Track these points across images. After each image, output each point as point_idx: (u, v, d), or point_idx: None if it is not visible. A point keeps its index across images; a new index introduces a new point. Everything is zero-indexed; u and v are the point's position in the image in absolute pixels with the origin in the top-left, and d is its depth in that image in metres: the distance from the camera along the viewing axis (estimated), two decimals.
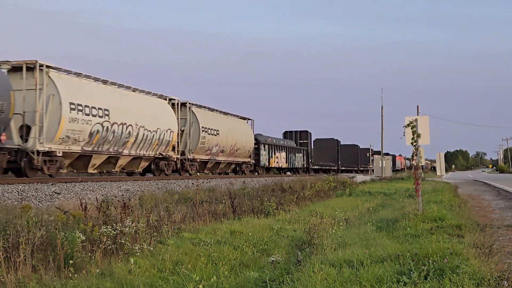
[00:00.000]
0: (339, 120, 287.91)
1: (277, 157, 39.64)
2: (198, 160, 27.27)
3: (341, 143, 68.62)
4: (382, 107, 49.55)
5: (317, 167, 52.50)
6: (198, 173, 27.45)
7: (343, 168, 64.50)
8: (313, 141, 58.47)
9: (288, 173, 43.04)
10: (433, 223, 9.21)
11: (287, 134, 47.68)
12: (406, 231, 8.48)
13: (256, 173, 35.33)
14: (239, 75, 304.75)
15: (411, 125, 11.22)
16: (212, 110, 29.72)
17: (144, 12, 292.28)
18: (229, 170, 32.87)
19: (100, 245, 6.76)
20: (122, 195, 12.92)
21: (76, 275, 5.94)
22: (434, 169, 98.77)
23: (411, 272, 5.18)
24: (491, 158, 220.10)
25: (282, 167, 41.10)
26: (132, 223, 7.47)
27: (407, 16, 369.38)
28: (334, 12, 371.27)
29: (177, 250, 7.18)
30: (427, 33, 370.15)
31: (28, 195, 12.83)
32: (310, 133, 49.44)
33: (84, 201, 8.98)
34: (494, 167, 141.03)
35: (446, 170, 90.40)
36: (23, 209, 7.13)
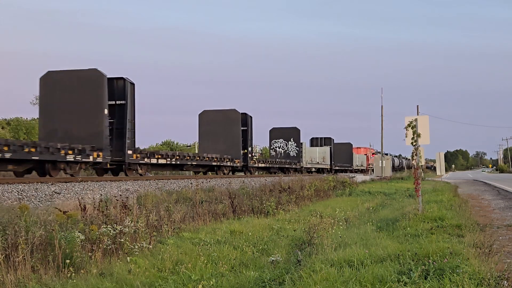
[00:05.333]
0: (339, 120, 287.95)
1: None
2: None
3: (311, 137, 57.11)
4: (382, 107, 49.46)
5: (262, 164, 38.35)
6: None
7: (309, 166, 49.95)
8: (269, 131, 46.86)
9: None
10: (433, 223, 9.21)
11: None
12: (406, 231, 8.48)
13: None
14: (239, 75, 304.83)
15: (411, 125, 11.22)
16: None
17: (144, 12, 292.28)
18: None
19: (100, 245, 6.76)
20: (121, 195, 12.92)
21: (75, 275, 5.93)
22: (429, 168, 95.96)
23: (411, 272, 5.18)
24: (491, 158, 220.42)
25: None
26: (131, 222, 7.47)
27: (407, 16, 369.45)
28: (334, 12, 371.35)
29: (177, 250, 7.17)
30: (427, 33, 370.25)
31: (28, 195, 12.83)
32: None
33: (83, 200, 8.98)
34: (494, 167, 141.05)
35: (446, 170, 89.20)
36: (20, 209, 7.11)
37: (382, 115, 49.28)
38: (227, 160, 31.72)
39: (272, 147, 47.51)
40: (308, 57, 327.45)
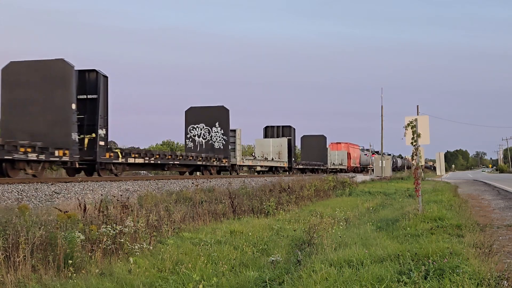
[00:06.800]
0: (339, 120, 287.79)
1: None
2: None
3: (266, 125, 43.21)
4: (382, 107, 49.45)
5: (138, 159, 22.74)
6: None
7: (248, 163, 35.61)
8: (185, 112, 32.40)
9: None
10: (433, 223, 9.21)
11: None
12: (406, 231, 8.48)
13: None
14: (239, 75, 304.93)
15: (411, 125, 11.22)
16: None
17: (144, 12, 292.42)
18: None
19: (100, 245, 6.76)
20: (121, 195, 12.93)
21: (76, 275, 5.93)
22: (428, 168, 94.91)
23: (411, 272, 5.18)
24: (491, 158, 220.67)
25: None
26: (131, 222, 7.48)
27: (408, 16, 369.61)
28: (334, 12, 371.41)
29: (177, 250, 7.18)
30: (427, 33, 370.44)
31: (28, 195, 12.83)
32: None
33: (83, 201, 8.99)
34: (494, 167, 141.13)
35: (446, 170, 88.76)
36: (20, 209, 7.12)
37: (382, 115, 49.29)
38: (31, 149, 17.24)
39: (188, 136, 32.31)
40: (308, 57, 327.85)
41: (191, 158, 27.28)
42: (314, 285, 5.07)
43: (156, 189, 17.07)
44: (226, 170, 33.05)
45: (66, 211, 7.72)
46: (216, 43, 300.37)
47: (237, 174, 32.55)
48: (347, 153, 64.24)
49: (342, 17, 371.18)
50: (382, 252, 6.29)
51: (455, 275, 5.00)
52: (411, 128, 11.21)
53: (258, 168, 38.29)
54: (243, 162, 34.16)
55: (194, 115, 32.27)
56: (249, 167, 36.94)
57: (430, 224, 9.10)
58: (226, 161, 31.35)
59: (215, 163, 29.97)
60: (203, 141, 32.16)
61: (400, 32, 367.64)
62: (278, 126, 44.50)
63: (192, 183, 18.98)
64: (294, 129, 45.16)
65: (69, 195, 13.61)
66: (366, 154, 76.03)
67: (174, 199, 13.92)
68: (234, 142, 32.98)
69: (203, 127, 32.18)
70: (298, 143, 54.54)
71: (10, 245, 6.14)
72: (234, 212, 11.82)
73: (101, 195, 13.65)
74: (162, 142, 66.01)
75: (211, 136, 32.11)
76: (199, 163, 28.08)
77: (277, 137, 43.71)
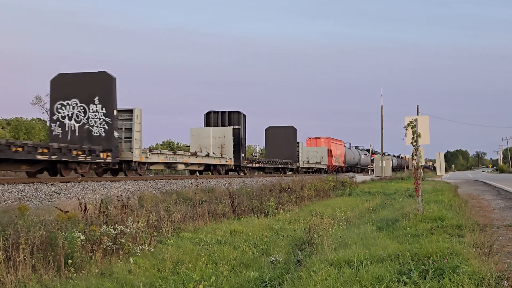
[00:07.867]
0: (339, 120, 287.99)
1: None
2: None
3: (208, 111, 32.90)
4: (382, 107, 49.46)
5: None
6: None
7: (161, 160, 23.48)
8: (50, 81, 21.50)
9: None
10: (433, 223, 9.21)
11: None
12: (406, 231, 8.48)
13: None
14: (239, 75, 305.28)
15: (411, 125, 11.23)
16: None
17: (144, 12, 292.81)
18: None
19: (100, 245, 6.76)
20: (121, 195, 12.92)
21: (76, 275, 5.94)
22: (428, 168, 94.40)
23: (411, 272, 5.18)
24: (491, 158, 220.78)
25: None
26: (132, 223, 7.48)
27: (407, 16, 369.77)
28: (334, 12, 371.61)
29: (177, 250, 7.18)
30: (427, 33, 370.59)
31: (28, 195, 12.83)
32: None
33: (83, 201, 8.99)
34: (494, 167, 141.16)
35: (446, 170, 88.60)
36: (19, 210, 7.12)
37: (382, 115, 49.31)
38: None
39: (55, 118, 21.24)
40: (308, 57, 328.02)
41: (19, 149, 15.48)
42: (314, 285, 5.07)
43: (156, 189, 17.08)
44: (117, 169, 22.12)
45: (67, 211, 7.72)
46: (216, 43, 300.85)
47: (140, 175, 22.01)
48: (328, 149, 53.67)
49: (342, 17, 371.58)
50: (382, 252, 6.29)
51: (455, 275, 5.01)
52: (411, 128, 11.21)
53: (181, 167, 26.50)
54: (146, 157, 22.60)
55: (63, 87, 21.37)
56: (168, 165, 25.42)
57: (430, 224, 9.10)
58: (108, 156, 19.96)
59: (83, 158, 18.39)
60: (77, 125, 21.29)
61: (400, 32, 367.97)
62: (223, 112, 33.65)
63: (191, 183, 18.99)
64: (244, 115, 33.96)
65: (69, 195, 13.61)
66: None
67: (174, 199, 13.92)
68: (131, 129, 21.89)
69: (77, 104, 21.26)
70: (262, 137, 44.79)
71: (10, 245, 6.14)
72: (234, 212, 11.82)
73: (102, 195, 13.65)
74: (162, 142, 66.03)
75: (87, 118, 21.10)
76: (42, 157, 16.45)
77: (222, 125, 32.94)
